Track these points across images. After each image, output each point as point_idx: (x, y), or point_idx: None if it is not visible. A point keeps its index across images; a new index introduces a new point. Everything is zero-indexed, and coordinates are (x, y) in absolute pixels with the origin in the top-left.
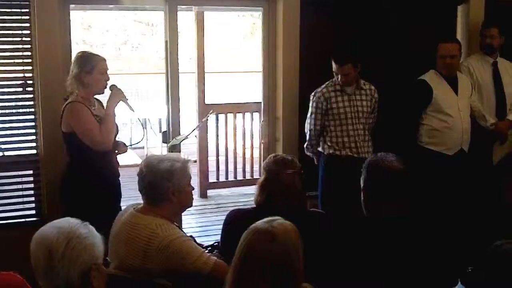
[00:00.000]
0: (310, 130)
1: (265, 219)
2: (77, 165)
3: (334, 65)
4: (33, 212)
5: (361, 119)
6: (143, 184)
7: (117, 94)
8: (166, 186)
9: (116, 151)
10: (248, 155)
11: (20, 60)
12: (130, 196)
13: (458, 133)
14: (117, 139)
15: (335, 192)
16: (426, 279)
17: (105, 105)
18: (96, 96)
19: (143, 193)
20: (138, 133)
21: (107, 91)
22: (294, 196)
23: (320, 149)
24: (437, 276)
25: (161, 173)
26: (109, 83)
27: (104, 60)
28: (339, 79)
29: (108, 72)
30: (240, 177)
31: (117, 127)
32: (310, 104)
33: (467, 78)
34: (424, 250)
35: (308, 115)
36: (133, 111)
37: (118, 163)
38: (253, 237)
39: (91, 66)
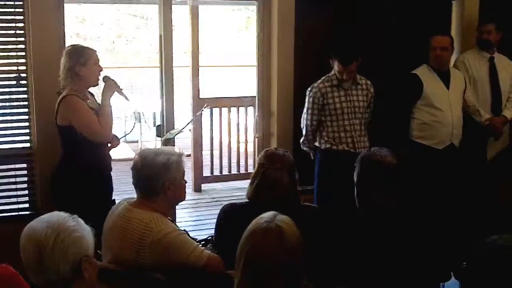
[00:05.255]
0: (306, 126)
1: (266, 217)
2: (72, 158)
3: (338, 65)
4: (27, 205)
5: (357, 114)
6: (139, 177)
7: (111, 85)
8: (162, 180)
9: (109, 145)
10: (242, 150)
11: (14, 54)
12: (124, 190)
13: (448, 127)
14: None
15: (331, 187)
16: (418, 273)
17: (97, 97)
18: (90, 89)
19: (137, 187)
20: (131, 127)
21: (101, 83)
22: (279, 191)
23: (316, 144)
24: (430, 270)
25: (158, 166)
26: (102, 74)
27: (95, 51)
28: (344, 77)
29: (102, 65)
30: (234, 171)
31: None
32: (307, 99)
33: (461, 74)
34: (416, 244)
35: (305, 110)
36: (128, 100)
37: (110, 156)
38: (261, 238)
39: (85, 58)
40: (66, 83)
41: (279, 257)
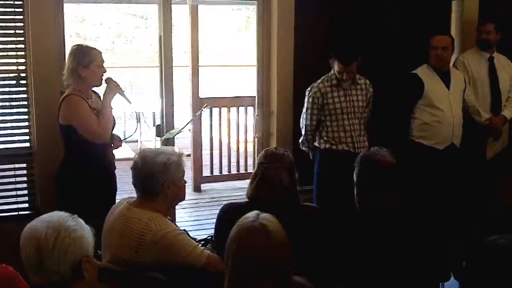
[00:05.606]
0: (306, 125)
1: (250, 217)
2: (74, 157)
3: (338, 65)
4: (27, 205)
5: (357, 113)
6: (139, 177)
7: (113, 87)
8: (162, 180)
9: (112, 145)
10: (242, 149)
11: (14, 53)
12: (124, 190)
13: (449, 127)
14: (112, 132)
15: (331, 187)
16: (418, 273)
17: (102, 97)
18: (94, 88)
19: (137, 186)
20: (132, 127)
21: (104, 83)
22: (279, 191)
23: (316, 143)
24: (430, 270)
25: (158, 166)
26: (105, 75)
27: (101, 53)
28: (344, 77)
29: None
30: (234, 171)
31: (114, 120)
32: (306, 99)
33: (461, 73)
34: (416, 244)
35: (304, 110)
36: (130, 102)
37: (114, 156)
38: (247, 237)
39: (89, 60)
40: (69, 83)
41: (266, 255)
